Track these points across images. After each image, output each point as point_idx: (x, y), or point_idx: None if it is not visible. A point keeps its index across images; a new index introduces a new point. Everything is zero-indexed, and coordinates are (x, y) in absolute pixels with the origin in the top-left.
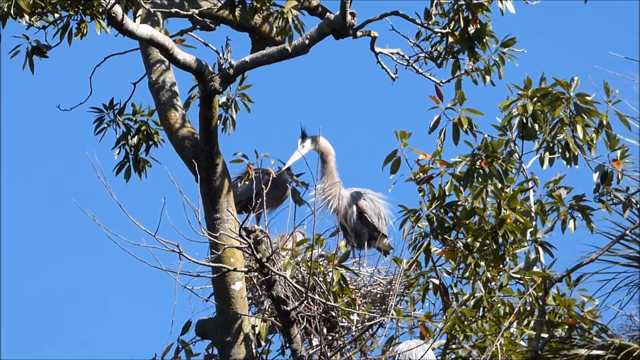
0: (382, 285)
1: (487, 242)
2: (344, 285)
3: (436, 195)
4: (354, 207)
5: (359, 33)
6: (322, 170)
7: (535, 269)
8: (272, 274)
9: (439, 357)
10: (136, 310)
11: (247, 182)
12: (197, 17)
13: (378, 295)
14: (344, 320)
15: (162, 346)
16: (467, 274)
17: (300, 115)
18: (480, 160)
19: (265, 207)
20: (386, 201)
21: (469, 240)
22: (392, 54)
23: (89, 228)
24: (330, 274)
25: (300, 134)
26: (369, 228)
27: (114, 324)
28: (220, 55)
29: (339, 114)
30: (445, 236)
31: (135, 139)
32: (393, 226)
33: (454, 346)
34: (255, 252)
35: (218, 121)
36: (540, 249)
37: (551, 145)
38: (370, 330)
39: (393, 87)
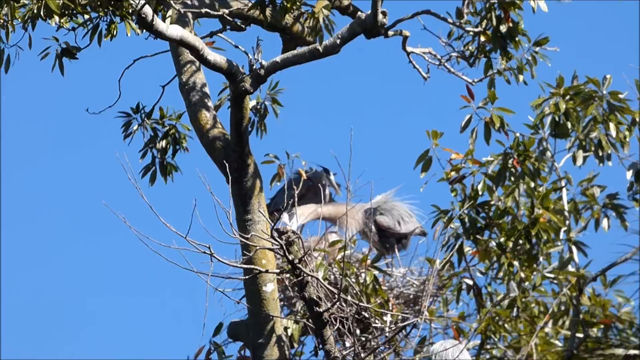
0: (415, 286)
1: (521, 241)
2: (376, 286)
3: (468, 195)
4: (373, 227)
5: (390, 32)
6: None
7: (569, 268)
8: (304, 275)
9: (474, 358)
10: (167, 313)
11: (283, 186)
12: (228, 18)
13: (411, 296)
14: (377, 321)
15: (195, 348)
16: (501, 274)
17: (333, 117)
18: (512, 159)
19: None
20: (404, 201)
21: (502, 240)
22: (423, 53)
23: (119, 229)
24: (363, 275)
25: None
26: (395, 237)
27: (145, 327)
28: (251, 55)
29: (370, 114)
30: (478, 236)
31: (162, 143)
32: (421, 215)
33: (488, 346)
34: (287, 254)
35: (249, 123)
36: (574, 248)
37: (584, 143)
38: (403, 331)
39: (424, 87)
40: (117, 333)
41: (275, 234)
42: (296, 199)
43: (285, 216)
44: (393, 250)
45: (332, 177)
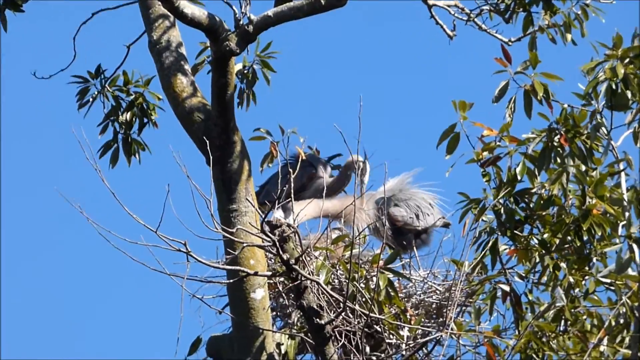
0: (438, 292)
1: (569, 238)
2: (391, 293)
3: (504, 181)
4: (385, 220)
5: None
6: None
7: (629, 271)
8: (302, 279)
9: None
10: (135, 324)
11: (277, 170)
12: None
13: (434, 306)
14: (391, 336)
15: None
16: (545, 278)
17: (336, 85)
18: (558, 137)
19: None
20: (423, 189)
21: (546, 236)
22: (448, 6)
23: (77, 221)
24: (374, 279)
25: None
26: (412, 232)
27: (107, 342)
28: (237, 9)
29: (383, 82)
30: (516, 231)
31: (127, 115)
32: (445, 207)
33: None
34: (281, 252)
35: (234, 91)
36: (635, 246)
37: None
38: (424, 348)
39: (450, 48)
40: (111, 353)
41: (267, 228)
42: (292, 188)
43: (278, 213)
44: (411, 248)
45: (365, 168)
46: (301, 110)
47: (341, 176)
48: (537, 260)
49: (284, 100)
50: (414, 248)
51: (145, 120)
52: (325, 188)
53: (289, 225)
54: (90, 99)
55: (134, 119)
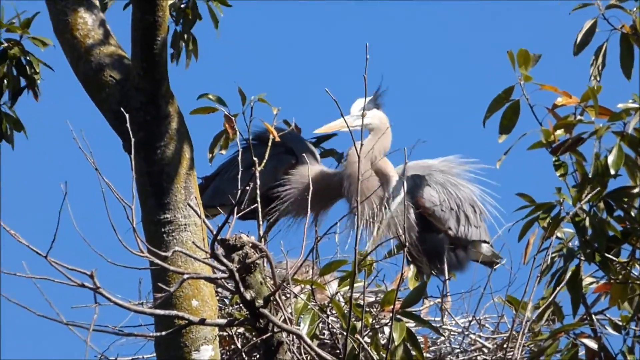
0: (486, 352)
1: None
2: (412, 352)
3: (590, 176)
4: (412, 213)
5: None
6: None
7: None
8: (275, 330)
9: None
10: None
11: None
12: None
13: None
14: None
15: None
16: None
17: (325, 35)
18: None
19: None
20: (476, 175)
21: None
22: None
23: None
24: (387, 329)
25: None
26: (446, 235)
27: None
28: None
29: (396, 26)
30: (609, 255)
31: None
32: (497, 216)
33: None
34: (242, 288)
35: (167, 36)
36: None
37: None
38: None
39: None
40: None
41: (220, 251)
42: (257, 186)
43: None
44: (442, 271)
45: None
46: (272, 69)
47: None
48: None
49: (244, 53)
50: (446, 271)
51: (23, 84)
52: (311, 187)
53: (255, 246)
54: None
55: (6, 82)
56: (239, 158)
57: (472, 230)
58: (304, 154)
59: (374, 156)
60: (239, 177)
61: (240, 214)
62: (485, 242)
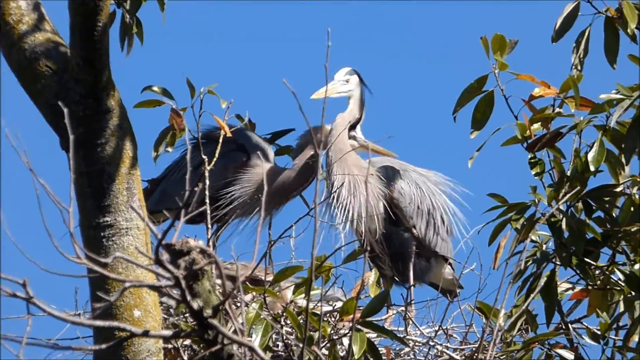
0: None
1: None
2: None
3: (568, 174)
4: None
5: None
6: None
7: None
8: (225, 342)
9: None
10: None
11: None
12: None
13: None
14: None
15: None
16: (637, 339)
17: (282, 21)
18: None
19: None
20: (449, 187)
21: (639, 268)
22: None
23: None
24: (346, 340)
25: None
26: (412, 236)
27: None
28: None
29: (362, 19)
30: (588, 259)
31: None
32: (465, 235)
33: None
34: (188, 297)
35: (109, 23)
36: None
37: None
38: None
39: None
40: None
41: (165, 257)
42: (207, 188)
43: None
44: (408, 279)
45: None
46: (224, 59)
47: (303, 168)
48: (623, 308)
49: (193, 40)
50: (411, 278)
51: None
52: (266, 185)
53: (203, 251)
54: None
55: None
56: (187, 157)
57: (438, 241)
58: (257, 151)
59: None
60: (187, 177)
61: (187, 217)
62: (448, 262)
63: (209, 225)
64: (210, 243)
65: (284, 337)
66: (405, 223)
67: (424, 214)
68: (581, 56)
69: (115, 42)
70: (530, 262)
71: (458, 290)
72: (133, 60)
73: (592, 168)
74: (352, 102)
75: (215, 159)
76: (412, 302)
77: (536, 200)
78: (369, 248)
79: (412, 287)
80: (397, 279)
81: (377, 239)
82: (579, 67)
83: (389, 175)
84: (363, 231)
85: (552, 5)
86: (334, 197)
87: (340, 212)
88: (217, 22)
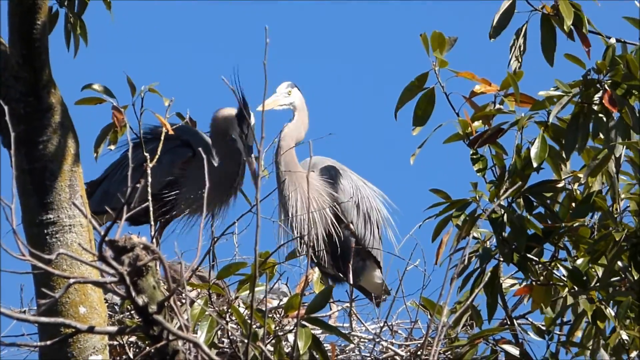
0: (400, 359)
1: (620, 265)
2: None
3: (510, 170)
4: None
5: None
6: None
7: None
8: (170, 337)
9: None
10: None
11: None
12: None
13: None
14: None
15: None
16: (579, 334)
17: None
18: (601, 94)
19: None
20: (377, 192)
21: (581, 262)
22: None
23: None
24: (291, 336)
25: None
26: (351, 234)
27: None
28: None
29: (299, 15)
30: (530, 255)
31: None
32: (394, 241)
33: None
34: (133, 293)
35: (48, 20)
36: None
37: None
38: None
39: None
40: None
41: (109, 253)
42: (149, 185)
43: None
44: (347, 275)
45: (250, 142)
46: (163, 56)
47: (228, 152)
48: (567, 303)
49: (135, 38)
50: (350, 275)
51: None
52: (208, 181)
53: (146, 247)
54: None
55: None
56: (129, 155)
57: (373, 241)
58: (201, 147)
59: (298, 137)
60: (129, 174)
61: (131, 213)
62: (379, 266)
63: (152, 222)
64: (154, 240)
65: (229, 334)
66: (344, 219)
67: (362, 212)
68: (518, 54)
69: (57, 39)
70: (474, 259)
71: (384, 297)
72: (76, 58)
73: (535, 164)
74: (297, 114)
75: (157, 156)
76: (356, 298)
77: (477, 197)
78: (311, 244)
79: (353, 285)
80: (337, 277)
81: (318, 237)
82: (518, 63)
83: (332, 174)
84: (312, 236)
85: (490, 4)
86: (290, 212)
87: (296, 226)
88: (159, 22)
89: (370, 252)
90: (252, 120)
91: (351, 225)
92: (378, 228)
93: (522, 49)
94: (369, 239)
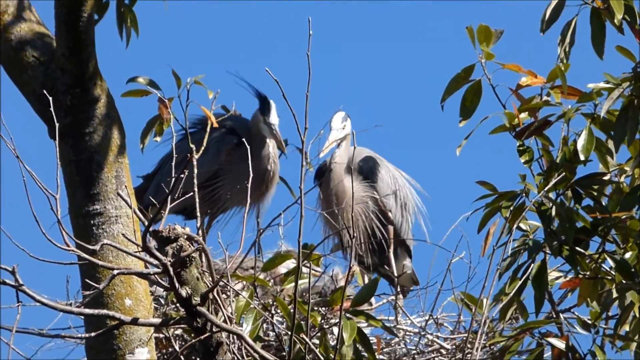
0: (445, 353)
1: None
2: (364, 354)
3: (557, 162)
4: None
5: None
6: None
7: None
8: (214, 330)
9: None
10: None
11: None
12: None
13: None
14: None
15: None
16: (626, 327)
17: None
18: None
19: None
20: (412, 181)
21: (630, 256)
22: None
23: None
24: (336, 329)
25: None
26: (389, 223)
27: None
28: None
29: (345, 11)
30: (578, 248)
31: None
32: (425, 231)
33: None
34: (177, 285)
35: (94, 12)
36: None
37: None
38: None
39: None
40: None
41: (153, 244)
42: (194, 175)
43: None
44: (389, 268)
45: (273, 120)
46: (212, 49)
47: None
48: (614, 296)
49: (183, 31)
50: (394, 270)
51: None
52: (251, 170)
53: (191, 239)
54: None
55: None
56: (172, 145)
57: (408, 230)
58: (244, 134)
59: (349, 160)
60: (172, 164)
61: (175, 203)
62: (410, 255)
63: (198, 214)
64: (199, 232)
65: (274, 326)
66: (382, 207)
67: (400, 201)
68: (568, 46)
69: (105, 32)
70: (522, 250)
71: (412, 287)
72: (122, 51)
73: (581, 157)
74: (345, 142)
75: (203, 147)
76: (400, 290)
77: (525, 189)
78: (355, 238)
79: (400, 277)
80: (378, 268)
81: (363, 229)
82: (566, 57)
83: (370, 165)
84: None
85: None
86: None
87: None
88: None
89: (404, 241)
90: (273, 106)
91: (389, 213)
92: (411, 217)
93: (570, 42)
94: (404, 228)
